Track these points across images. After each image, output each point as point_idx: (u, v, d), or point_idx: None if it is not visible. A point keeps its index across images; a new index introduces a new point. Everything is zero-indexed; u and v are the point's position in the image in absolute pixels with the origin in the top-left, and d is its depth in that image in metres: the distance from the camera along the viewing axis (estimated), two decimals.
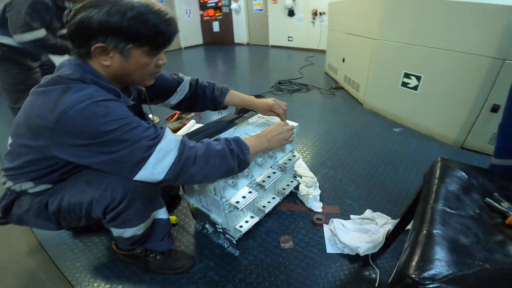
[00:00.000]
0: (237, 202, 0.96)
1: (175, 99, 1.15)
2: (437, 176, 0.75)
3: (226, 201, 0.97)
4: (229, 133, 1.10)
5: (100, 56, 0.71)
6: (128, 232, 0.91)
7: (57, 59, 1.71)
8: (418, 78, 1.96)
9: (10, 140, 0.81)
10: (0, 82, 1.77)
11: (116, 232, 0.93)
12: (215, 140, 0.86)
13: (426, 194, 0.72)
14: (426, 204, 0.67)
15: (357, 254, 1.11)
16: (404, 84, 2.08)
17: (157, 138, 0.74)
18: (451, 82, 1.78)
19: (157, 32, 0.71)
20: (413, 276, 0.50)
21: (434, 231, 0.58)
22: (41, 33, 1.57)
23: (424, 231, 0.59)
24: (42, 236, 1.31)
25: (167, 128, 0.79)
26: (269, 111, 1.15)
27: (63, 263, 1.17)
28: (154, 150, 0.73)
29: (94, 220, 0.88)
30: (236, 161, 0.84)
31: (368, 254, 1.10)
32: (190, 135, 1.09)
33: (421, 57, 1.91)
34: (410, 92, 2.05)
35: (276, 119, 1.20)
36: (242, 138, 0.92)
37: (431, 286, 0.49)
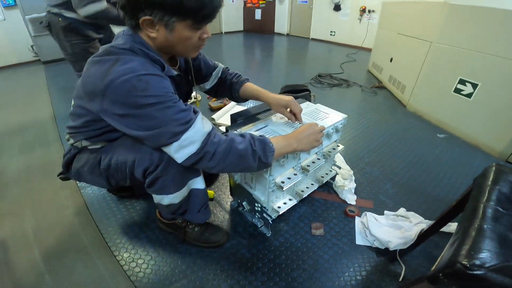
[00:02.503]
0: (282, 182, 0.99)
1: (209, 83, 1.20)
2: (491, 178, 0.76)
3: (273, 179, 1.00)
4: (265, 123, 1.13)
5: (147, 28, 0.75)
6: (166, 200, 0.97)
7: (117, 30, 1.82)
8: (475, 85, 1.88)
9: (73, 102, 0.90)
10: (65, 52, 1.92)
11: (156, 198, 1.00)
12: (242, 135, 0.85)
13: (477, 194, 0.73)
14: (478, 203, 0.69)
15: (386, 249, 1.13)
16: (457, 91, 2.01)
17: (187, 124, 0.76)
18: (509, 94, 1.70)
19: (200, 4, 0.72)
20: (464, 262, 0.53)
21: (485, 226, 0.61)
22: (102, 5, 1.64)
23: (476, 225, 0.61)
24: (89, 198, 1.41)
25: (199, 115, 0.81)
26: (284, 107, 1.10)
27: (105, 228, 1.24)
28: (180, 138, 0.75)
29: (137, 181, 0.94)
30: (256, 162, 0.83)
31: (397, 250, 1.12)
32: (237, 115, 1.14)
33: (482, 65, 1.82)
34: (463, 99, 1.98)
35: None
36: (270, 136, 0.90)
37: (479, 272, 0.52)
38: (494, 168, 0.80)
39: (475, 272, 0.52)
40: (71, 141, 0.97)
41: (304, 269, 1.08)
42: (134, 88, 0.70)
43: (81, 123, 0.88)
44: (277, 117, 1.18)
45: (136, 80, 0.70)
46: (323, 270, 1.08)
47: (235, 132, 0.91)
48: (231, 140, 0.81)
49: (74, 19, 1.75)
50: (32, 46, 3.96)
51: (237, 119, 1.14)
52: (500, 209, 0.66)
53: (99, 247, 1.17)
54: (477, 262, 0.52)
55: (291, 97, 1.09)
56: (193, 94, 1.17)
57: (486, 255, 0.54)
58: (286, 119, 1.14)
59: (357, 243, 1.19)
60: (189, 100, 1.28)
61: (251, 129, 1.07)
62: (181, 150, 0.77)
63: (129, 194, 1.40)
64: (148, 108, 0.72)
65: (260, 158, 0.83)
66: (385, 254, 1.14)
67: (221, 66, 1.22)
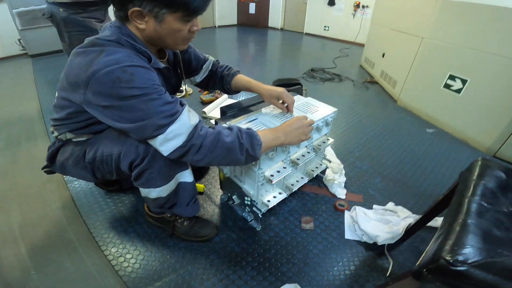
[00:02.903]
0: (272, 176, 0.99)
1: (200, 76, 1.19)
2: (476, 173, 0.76)
3: (262, 173, 1.00)
4: (255, 116, 1.13)
5: (136, 19, 0.74)
6: (153, 193, 0.96)
7: None
8: (464, 81, 1.90)
9: (57, 94, 0.88)
10: (63, 43, 1.89)
11: (143, 192, 0.99)
12: (229, 128, 0.85)
13: (462, 189, 0.74)
14: (463, 197, 0.70)
15: (374, 243, 1.14)
16: (447, 86, 2.02)
17: (173, 116, 0.74)
18: (497, 90, 1.72)
19: None
20: (447, 258, 0.53)
21: (469, 221, 0.61)
22: None
23: (460, 220, 0.61)
24: (75, 193, 1.38)
25: (186, 108, 0.79)
26: (276, 98, 1.10)
27: (92, 222, 1.22)
28: (165, 131, 0.74)
29: (124, 174, 0.93)
30: (244, 155, 0.83)
31: (385, 245, 1.13)
32: (227, 108, 1.13)
33: (472, 61, 1.84)
34: (452, 94, 2.00)
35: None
36: (259, 129, 0.89)
37: (462, 268, 0.52)
38: (480, 162, 0.80)
39: (458, 268, 0.52)
40: (56, 133, 0.95)
41: (293, 263, 1.08)
42: (118, 80, 0.68)
43: (65, 115, 0.86)
44: (267, 110, 1.17)
45: (120, 71, 0.69)
46: (313, 264, 1.08)
47: (223, 125, 0.90)
48: (218, 133, 0.81)
49: (67, 4, 1.73)
50: (19, 40, 3.84)
51: (227, 112, 1.13)
52: (485, 204, 0.66)
53: (86, 242, 1.15)
54: (460, 258, 0.53)
55: (283, 88, 1.09)
56: (184, 87, 1.16)
57: (469, 251, 0.54)
58: (276, 112, 1.14)
59: (346, 237, 1.20)
60: (178, 94, 1.27)
61: (240, 122, 1.06)
62: (166, 143, 0.76)
63: (116, 187, 1.38)
64: (132, 100, 0.70)
65: (247, 151, 0.83)
66: (374, 249, 1.15)
67: (211, 59, 1.20)
